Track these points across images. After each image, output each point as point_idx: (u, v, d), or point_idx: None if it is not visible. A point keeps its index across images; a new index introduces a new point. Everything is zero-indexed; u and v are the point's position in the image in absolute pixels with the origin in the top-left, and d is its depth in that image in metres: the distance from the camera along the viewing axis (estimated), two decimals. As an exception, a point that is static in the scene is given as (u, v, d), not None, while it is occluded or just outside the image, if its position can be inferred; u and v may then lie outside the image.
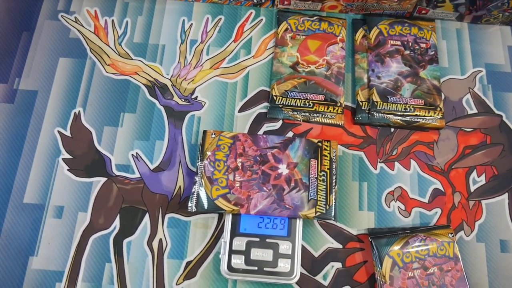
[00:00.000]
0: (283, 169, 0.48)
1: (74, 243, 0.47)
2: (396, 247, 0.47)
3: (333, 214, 0.46)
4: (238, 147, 0.48)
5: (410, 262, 0.46)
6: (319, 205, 0.46)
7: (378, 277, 0.46)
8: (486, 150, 0.53)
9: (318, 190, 0.47)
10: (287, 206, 0.46)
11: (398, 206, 0.50)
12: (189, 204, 0.46)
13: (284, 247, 0.46)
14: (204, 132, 0.49)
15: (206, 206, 0.46)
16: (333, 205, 0.46)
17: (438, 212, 0.50)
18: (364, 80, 0.55)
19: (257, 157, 0.48)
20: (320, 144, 0.49)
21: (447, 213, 0.50)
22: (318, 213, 0.46)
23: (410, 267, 0.46)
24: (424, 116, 0.53)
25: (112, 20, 0.57)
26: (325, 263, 0.48)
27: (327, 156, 0.48)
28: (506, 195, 0.51)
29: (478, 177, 0.52)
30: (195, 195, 0.46)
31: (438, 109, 0.53)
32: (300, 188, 0.47)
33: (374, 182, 0.51)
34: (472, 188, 0.51)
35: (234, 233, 0.46)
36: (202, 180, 0.47)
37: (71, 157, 0.51)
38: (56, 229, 0.48)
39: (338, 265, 0.48)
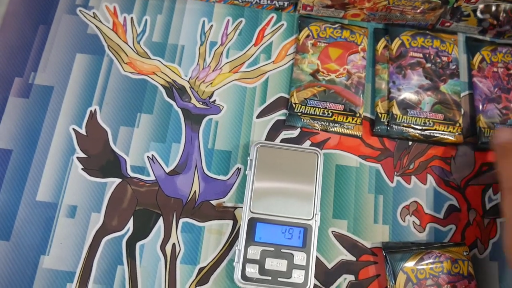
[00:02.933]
0: None
1: (87, 244, 0.47)
2: (410, 263, 0.46)
3: None
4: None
5: (424, 279, 0.46)
6: None
7: None
8: (503, 168, 0.53)
9: None
10: None
11: (413, 221, 0.50)
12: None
13: (299, 258, 0.45)
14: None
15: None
16: None
17: (452, 228, 0.50)
18: (384, 91, 0.54)
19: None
20: None
21: (462, 230, 0.50)
22: None
23: (423, 284, 0.46)
24: (443, 131, 0.52)
25: (131, 18, 0.57)
26: (338, 275, 0.48)
27: None
28: (521, 215, 0.51)
29: (494, 195, 0.52)
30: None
31: (457, 124, 0.53)
32: None
33: (390, 195, 0.51)
34: (488, 205, 0.51)
35: (249, 241, 0.46)
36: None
37: (85, 156, 0.50)
38: (68, 228, 0.48)
39: (351, 277, 0.47)
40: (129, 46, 0.55)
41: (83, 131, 0.51)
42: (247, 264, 0.45)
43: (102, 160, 0.50)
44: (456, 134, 0.52)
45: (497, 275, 0.48)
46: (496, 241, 0.50)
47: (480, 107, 0.54)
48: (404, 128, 0.52)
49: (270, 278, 0.45)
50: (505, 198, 0.42)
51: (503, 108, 0.54)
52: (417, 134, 0.52)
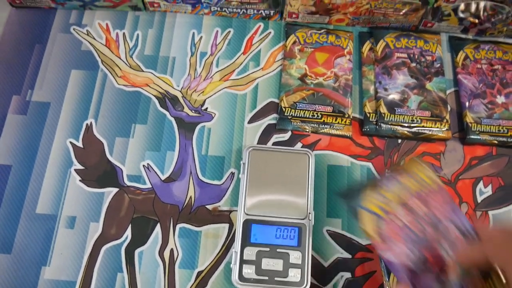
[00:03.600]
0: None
1: (86, 253, 0.48)
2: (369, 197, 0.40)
3: None
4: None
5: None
6: None
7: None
8: (492, 161, 0.54)
9: None
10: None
11: (406, 217, 0.51)
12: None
13: (295, 257, 0.46)
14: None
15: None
16: None
17: (445, 222, 0.51)
18: (371, 92, 0.56)
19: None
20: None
21: (455, 223, 0.51)
22: None
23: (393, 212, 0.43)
24: (431, 127, 0.53)
25: (124, 33, 0.58)
26: (335, 273, 0.48)
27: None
28: (512, 206, 0.52)
29: (485, 187, 0.52)
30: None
31: (445, 120, 0.54)
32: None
33: (382, 193, 0.51)
34: (479, 198, 0.52)
35: (245, 243, 0.46)
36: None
37: (83, 167, 0.52)
38: (68, 239, 0.49)
39: (347, 275, 0.48)
40: (122, 60, 0.57)
41: (80, 143, 0.53)
42: (244, 265, 0.46)
43: (99, 171, 0.51)
44: (444, 129, 0.53)
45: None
46: (489, 232, 0.50)
47: (466, 103, 0.55)
48: (393, 126, 0.53)
49: (267, 278, 0.45)
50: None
51: (489, 103, 0.55)
52: (406, 132, 0.53)
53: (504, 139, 0.53)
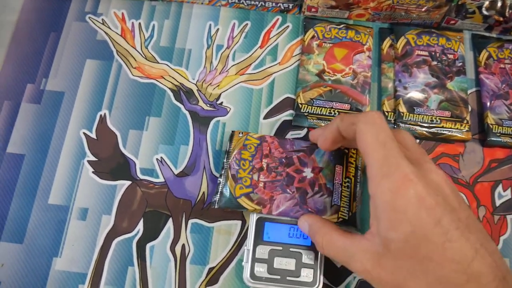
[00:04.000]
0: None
1: (98, 246, 0.48)
2: None
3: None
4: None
5: None
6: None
7: None
8: (513, 165, 0.52)
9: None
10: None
11: (422, 219, 0.50)
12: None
13: (307, 256, 0.46)
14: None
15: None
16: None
17: (462, 226, 0.50)
18: (390, 90, 0.54)
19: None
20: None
21: (472, 228, 0.49)
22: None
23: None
24: (451, 128, 0.52)
25: (139, 23, 0.58)
26: (348, 274, 0.48)
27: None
28: (532, 211, 0.50)
29: (504, 191, 0.51)
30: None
31: (465, 121, 0.52)
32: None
33: (399, 194, 0.50)
34: (498, 202, 0.51)
35: (258, 241, 0.46)
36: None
37: (96, 159, 0.51)
38: (80, 231, 0.48)
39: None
40: (137, 51, 0.56)
41: (93, 135, 0.52)
42: (256, 263, 0.45)
43: (112, 163, 0.51)
44: (464, 131, 0.52)
45: (508, 272, 0.48)
46: (507, 238, 0.49)
47: (488, 103, 0.54)
48: (411, 126, 0.52)
49: (279, 277, 0.45)
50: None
51: (511, 104, 0.54)
52: (425, 132, 0.52)
53: (526, 142, 0.52)
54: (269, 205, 0.46)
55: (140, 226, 0.49)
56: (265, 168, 0.48)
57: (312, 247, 0.46)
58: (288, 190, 0.47)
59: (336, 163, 0.48)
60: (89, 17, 0.58)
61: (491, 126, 0.53)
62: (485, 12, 0.55)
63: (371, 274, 0.36)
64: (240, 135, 0.49)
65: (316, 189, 0.47)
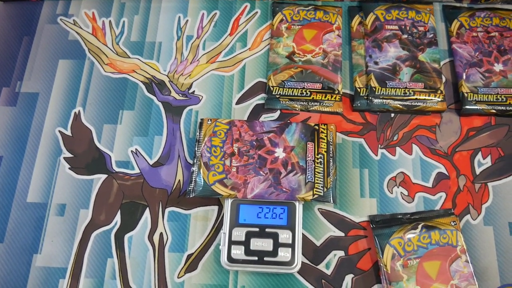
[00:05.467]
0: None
1: (77, 240, 0.48)
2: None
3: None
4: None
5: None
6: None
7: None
8: (491, 132, 0.51)
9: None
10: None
11: (401, 192, 0.49)
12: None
13: (284, 236, 0.45)
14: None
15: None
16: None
17: (442, 196, 0.49)
18: (362, 66, 0.54)
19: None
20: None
21: (452, 197, 0.49)
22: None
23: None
24: (425, 99, 0.51)
25: (110, 21, 0.58)
26: (328, 252, 0.47)
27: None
28: (513, 177, 0.49)
29: (484, 159, 0.50)
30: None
31: (439, 91, 0.52)
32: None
33: (375, 169, 0.50)
34: (478, 170, 0.50)
35: (234, 224, 0.46)
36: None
37: (72, 155, 0.52)
38: (58, 226, 0.49)
39: (340, 253, 0.47)
40: (109, 47, 0.57)
41: (68, 132, 0.53)
42: (232, 246, 0.45)
43: (88, 158, 0.51)
44: (439, 101, 0.51)
45: (492, 240, 0.47)
46: (489, 205, 0.48)
47: (462, 72, 0.53)
48: (385, 100, 0.52)
49: (256, 258, 0.44)
50: None
51: (486, 72, 0.53)
52: (398, 105, 0.52)
53: (503, 107, 0.51)
54: (243, 189, 0.46)
55: (118, 218, 0.49)
56: (236, 153, 0.48)
57: (288, 226, 0.45)
58: (261, 172, 0.47)
59: (307, 140, 0.48)
60: (60, 19, 0.59)
61: (466, 94, 0.52)
62: (453, -18, 0.55)
63: None
64: (209, 122, 0.49)
65: (289, 168, 0.47)
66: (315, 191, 0.46)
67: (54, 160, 0.51)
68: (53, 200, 0.50)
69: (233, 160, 0.47)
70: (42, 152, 0.52)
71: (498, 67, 0.53)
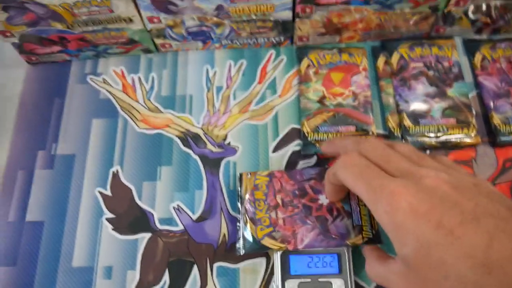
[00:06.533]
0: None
1: (127, 302, 0.48)
2: None
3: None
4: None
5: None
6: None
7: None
8: (527, 161, 0.52)
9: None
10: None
11: (446, 229, 0.49)
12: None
13: (337, 284, 0.45)
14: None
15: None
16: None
17: (487, 230, 0.49)
18: (392, 105, 0.55)
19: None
20: None
21: (497, 231, 0.49)
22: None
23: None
24: (458, 134, 0.52)
25: (139, 77, 0.59)
26: (379, 296, 0.47)
27: None
28: (555, 206, 0.50)
29: (523, 190, 0.51)
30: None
31: (471, 125, 0.53)
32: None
33: (418, 207, 0.50)
34: (519, 202, 0.50)
35: (285, 275, 0.46)
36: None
37: (114, 216, 0.52)
38: (107, 290, 0.48)
39: (393, 296, 0.47)
40: (140, 104, 0.57)
41: (108, 192, 0.53)
42: (287, 298, 0.45)
43: (130, 217, 0.51)
44: (472, 135, 0.52)
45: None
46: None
47: (491, 104, 0.54)
48: (419, 138, 0.52)
49: (312, 309, 0.44)
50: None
51: (514, 102, 0.54)
52: (433, 142, 0.52)
53: (536, 137, 0.52)
54: (293, 240, 0.46)
55: (166, 277, 0.48)
56: (280, 204, 0.48)
57: (340, 275, 0.45)
58: (308, 221, 0.47)
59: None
60: (90, 78, 0.60)
61: (498, 126, 0.53)
62: (472, 17, 0.56)
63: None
64: (249, 176, 0.50)
65: (335, 213, 0.47)
66: (364, 234, 0.46)
67: (96, 221, 0.52)
68: (99, 263, 0.50)
69: (278, 212, 0.47)
70: (83, 214, 0.52)
71: (526, 96, 0.54)
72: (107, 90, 0.59)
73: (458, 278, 0.31)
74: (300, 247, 0.46)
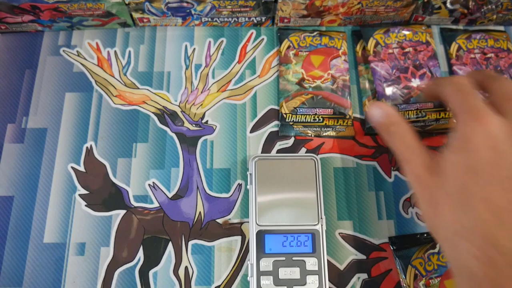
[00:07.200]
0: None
1: (100, 279, 0.47)
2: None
3: None
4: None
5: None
6: None
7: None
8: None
9: None
10: None
11: (416, 212, 0.51)
12: None
13: (311, 263, 0.46)
14: None
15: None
16: None
17: (455, 214, 0.51)
18: (369, 90, 0.56)
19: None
20: None
21: (464, 215, 0.51)
22: None
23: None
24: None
25: (115, 51, 0.58)
26: (351, 275, 0.48)
27: None
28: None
29: (490, 176, 0.53)
30: None
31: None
32: None
33: (390, 190, 0.52)
34: (485, 187, 0.52)
35: (260, 254, 0.46)
36: None
37: (87, 192, 0.51)
38: (80, 266, 0.48)
39: (364, 276, 0.48)
40: (116, 79, 0.56)
41: (81, 168, 0.52)
42: (261, 276, 0.45)
43: (104, 194, 0.51)
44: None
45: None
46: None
47: (464, 93, 0.56)
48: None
49: (285, 287, 0.45)
50: (405, 169, 0.42)
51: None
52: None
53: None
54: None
55: (141, 254, 0.48)
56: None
57: (314, 254, 0.46)
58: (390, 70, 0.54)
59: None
60: (63, 50, 0.58)
61: (469, 114, 0.54)
62: (450, 6, 0.57)
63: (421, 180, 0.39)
64: None
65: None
66: None
67: (69, 197, 0.50)
68: (71, 239, 0.49)
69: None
70: (55, 190, 0.51)
71: (496, 87, 0.56)
72: (81, 63, 0.57)
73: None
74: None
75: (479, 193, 0.34)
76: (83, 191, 0.51)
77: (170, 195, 0.51)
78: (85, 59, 0.57)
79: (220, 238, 0.49)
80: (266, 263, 0.46)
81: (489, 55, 0.58)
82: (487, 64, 0.57)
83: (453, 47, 0.59)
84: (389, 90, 0.55)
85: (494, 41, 0.59)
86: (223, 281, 0.47)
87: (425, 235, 0.49)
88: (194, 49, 0.58)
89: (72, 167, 0.52)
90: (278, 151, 0.53)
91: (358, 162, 0.53)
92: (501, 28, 0.61)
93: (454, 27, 0.61)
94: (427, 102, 0.53)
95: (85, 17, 0.56)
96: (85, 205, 0.50)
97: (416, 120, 0.53)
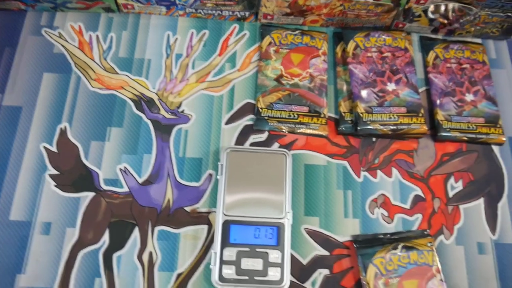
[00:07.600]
0: None
1: (63, 259, 0.47)
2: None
3: None
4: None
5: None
6: None
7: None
8: (462, 157, 0.55)
9: None
10: None
11: (382, 213, 0.52)
12: None
13: (274, 256, 0.47)
14: None
15: None
16: None
17: (419, 217, 0.52)
18: (345, 92, 0.57)
19: None
20: None
21: (428, 218, 0.52)
22: None
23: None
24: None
25: (97, 35, 0.58)
26: (313, 270, 0.49)
27: None
28: (481, 200, 0.53)
29: (456, 182, 0.54)
30: None
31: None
32: None
33: (358, 190, 0.53)
34: (451, 193, 0.54)
35: (225, 243, 0.47)
36: None
37: (58, 172, 0.51)
38: (44, 245, 0.48)
39: (325, 271, 0.49)
40: (96, 62, 0.56)
41: (54, 148, 0.52)
42: (223, 265, 0.46)
43: (74, 175, 0.51)
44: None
45: (463, 259, 0.50)
46: (461, 226, 0.52)
47: (437, 101, 0.57)
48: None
49: (247, 277, 0.46)
50: None
51: (458, 101, 0.57)
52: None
53: (473, 135, 0.55)
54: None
55: (106, 237, 0.48)
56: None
57: (278, 246, 0.47)
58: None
59: None
60: (45, 31, 0.58)
61: (441, 122, 0.56)
62: (430, 16, 0.59)
63: None
64: None
65: None
66: None
67: (38, 176, 0.50)
68: (38, 218, 0.49)
69: None
70: (25, 168, 0.51)
71: (469, 97, 0.57)
72: (62, 45, 0.57)
73: None
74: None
75: None
76: (54, 171, 0.51)
77: (140, 181, 0.51)
78: (66, 41, 0.57)
79: (187, 226, 0.50)
80: (230, 253, 0.46)
81: (464, 66, 0.59)
82: (462, 74, 0.58)
83: (431, 55, 0.60)
84: (364, 92, 0.56)
85: (470, 53, 0.60)
86: (186, 269, 0.48)
87: (389, 235, 0.50)
88: (176, 38, 0.58)
89: (44, 147, 0.52)
90: (251, 145, 0.53)
91: (329, 160, 0.54)
92: (479, 40, 0.62)
93: (433, 36, 0.62)
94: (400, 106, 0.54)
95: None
96: (54, 185, 0.50)
97: (389, 123, 0.54)
